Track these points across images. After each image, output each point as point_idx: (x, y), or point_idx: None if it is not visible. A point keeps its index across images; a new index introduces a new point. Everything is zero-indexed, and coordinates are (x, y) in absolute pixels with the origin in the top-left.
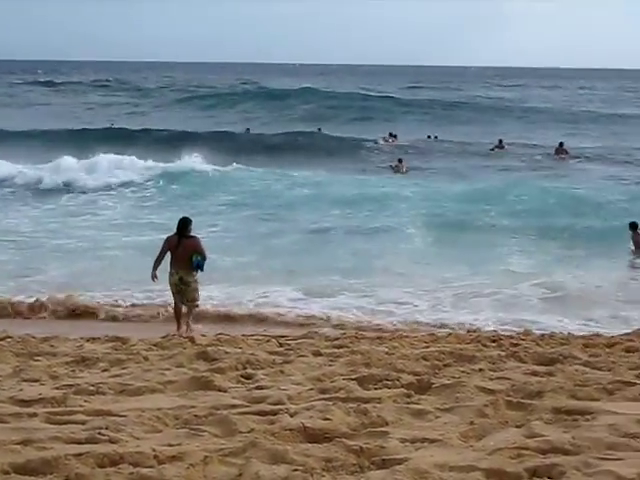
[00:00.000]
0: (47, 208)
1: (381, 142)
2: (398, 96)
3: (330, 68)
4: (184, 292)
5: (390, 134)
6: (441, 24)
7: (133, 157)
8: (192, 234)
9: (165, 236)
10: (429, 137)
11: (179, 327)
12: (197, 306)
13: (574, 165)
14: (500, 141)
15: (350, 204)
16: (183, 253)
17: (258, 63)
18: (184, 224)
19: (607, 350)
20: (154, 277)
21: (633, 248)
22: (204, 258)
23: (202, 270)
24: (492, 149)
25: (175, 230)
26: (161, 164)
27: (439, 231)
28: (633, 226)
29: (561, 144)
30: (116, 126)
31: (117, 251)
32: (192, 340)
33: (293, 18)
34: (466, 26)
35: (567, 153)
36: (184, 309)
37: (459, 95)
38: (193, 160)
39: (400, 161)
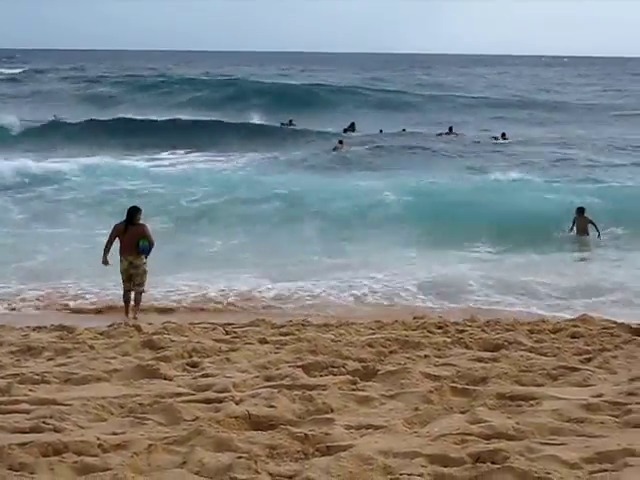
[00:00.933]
0: None
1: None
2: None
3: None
4: (134, 276)
5: (344, 130)
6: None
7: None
8: (140, 222)
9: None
10: (381, 131)
11: (127, 312)
12: (144, 291)
13: (512, 150)
14: (450, 128)
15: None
16: (130, 240)
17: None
18: (133, 212)
19: (552, 336)
20: (106, 262)
21: (574, 231)
22: (151, 244)
23: (148, 254)
24: (440, 134)
25: (124, 218)
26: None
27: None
28: (580, 210)
29: (503, 134)
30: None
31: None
32: (138, 328)
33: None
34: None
35: (506, 139)
36: (132, 295)
37: (400, 84)
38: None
39: (340, 142)
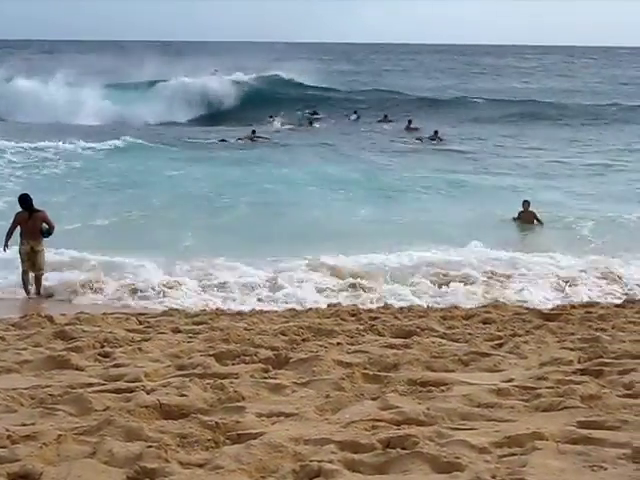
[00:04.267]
0: None
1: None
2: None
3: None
4: (34, 260)
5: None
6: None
7: None
8: (38, 208)
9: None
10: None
11: (28, 292)
12: (43, 273)
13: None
14: (435, 132)
15: None
16: (34, 225)
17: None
18: (29, 200)
19: (464, 322)
20: (5, 248)
21: (518, 220)
22: (52, 227)
23: (50, 235)
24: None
25: (21, 207)
26: None
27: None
28: (526, 202)
29: (409, 121)
30: None
31: None
32: (50, 319)
33: None
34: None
35: (417, 130)
36: (31, 276)
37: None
38: None
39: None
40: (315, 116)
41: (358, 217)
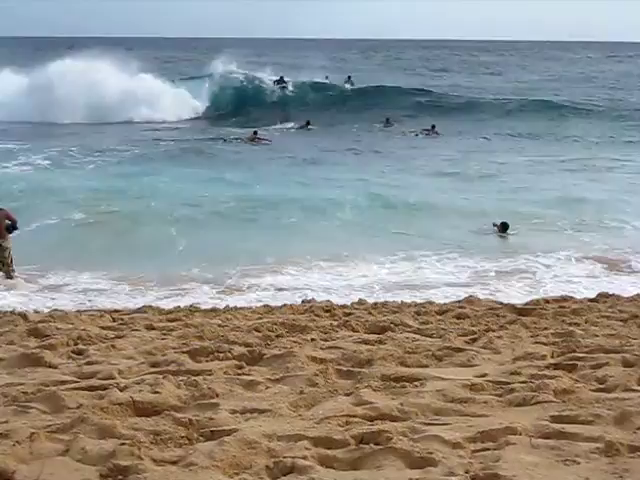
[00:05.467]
0: None
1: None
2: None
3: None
4: (2, 257)
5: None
6: None
7: None
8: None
9: None
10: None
11: None
12: (12, 269)
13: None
14: (433, 126)
15: None
16: None
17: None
18: None
19: (438, 317)
20: None
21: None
22: (15, 222)
23: (15, 229)
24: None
25: None
26: None
27: None
28: (503, 224)
29: (433, 126)
30: None
31: None
32: (24, 317)
33: None
34: None
35: (437, 133)
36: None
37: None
38: None
39: (255, 133)
40: (282, 84)
41: (333, 224)
